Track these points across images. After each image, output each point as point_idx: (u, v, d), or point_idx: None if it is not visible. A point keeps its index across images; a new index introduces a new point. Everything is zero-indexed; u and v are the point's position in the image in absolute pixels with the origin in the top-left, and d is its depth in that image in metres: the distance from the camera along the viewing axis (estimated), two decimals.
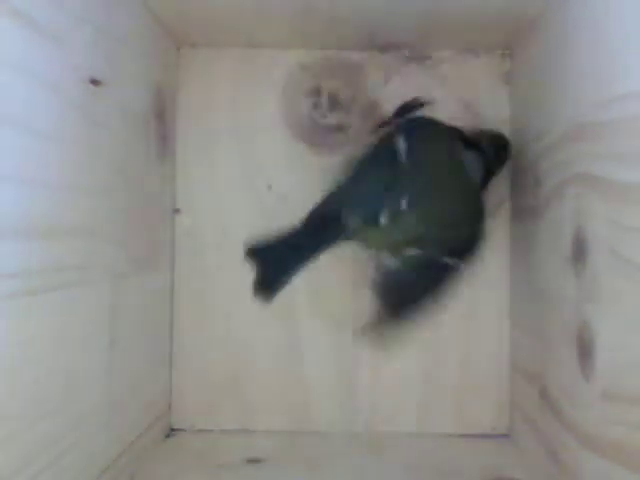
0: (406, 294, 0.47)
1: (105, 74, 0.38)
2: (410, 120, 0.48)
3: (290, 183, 0.54)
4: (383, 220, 0.45)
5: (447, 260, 0.46)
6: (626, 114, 0.32)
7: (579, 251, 0.38)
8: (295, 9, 0.46)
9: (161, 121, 0.50)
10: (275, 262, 0.46)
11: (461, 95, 0.54)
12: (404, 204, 0.45)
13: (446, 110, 0.51)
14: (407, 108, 0.50)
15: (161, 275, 0.51)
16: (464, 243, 0.47)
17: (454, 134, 0.48)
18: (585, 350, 0.37)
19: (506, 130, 0.53)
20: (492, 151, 0.48)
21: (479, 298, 0.53)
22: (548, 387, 0.43)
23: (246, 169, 0.54)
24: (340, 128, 0.54)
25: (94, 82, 0.37)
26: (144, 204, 0.47)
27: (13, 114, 0.29)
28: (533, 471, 0.45)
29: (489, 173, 0.49)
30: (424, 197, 0.46)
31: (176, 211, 0.54)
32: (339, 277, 0.53)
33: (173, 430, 0.53)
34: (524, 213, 0.50)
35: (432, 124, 0.48)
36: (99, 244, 0.38)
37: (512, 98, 0.53)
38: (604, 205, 0.35)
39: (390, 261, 0.46)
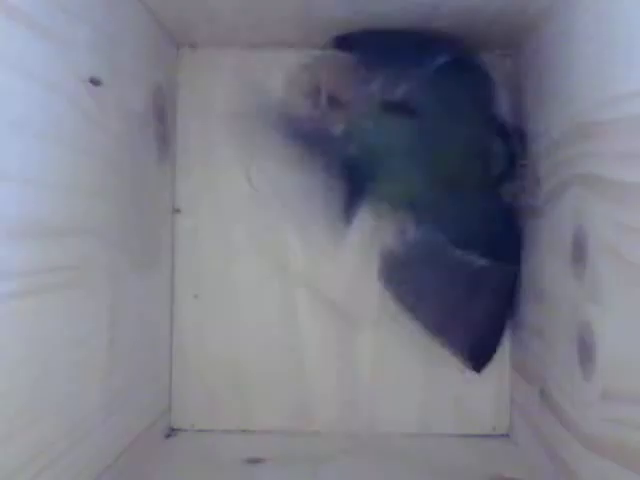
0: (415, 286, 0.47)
1: (105, 74, 0.38)
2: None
3: (289, 182, 0.54)
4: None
5: (471, 257, 0.44)
6: (627, 114, 0.32)
7: (579, 251, 0.38)
8: (295, 9, 0.46)
9: (161, 121, 0.50)
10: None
11: None
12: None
13: None
14: None
15: (161, 275, 0.51)
16: (486, 230, 0.45)
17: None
18: (585, 350, 0.37)
19: None
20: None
21: None
22: (548, 387, 0.43)
23: (246, 169, 0.54)
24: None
25: (94, 82, 0.37)
26: (144, 204, 0.47)
27: (12, 114, 0.29)
28: (533, 471, 0.45)
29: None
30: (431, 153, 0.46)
31: (176, 211, 0.54)
32: (339, 277, 0.53)
33: (173, 430, 0.53)
34: (524, 213, 0.50)
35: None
36: (99, 244, 0.38)
37: (512, 98, 0.53)
38: (604, 205, 0.35)
39: (411, 232, 0.46)
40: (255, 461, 0.47)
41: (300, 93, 0.54)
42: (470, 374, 0.52)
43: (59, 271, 0.33)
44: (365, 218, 0.53)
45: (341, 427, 0.53)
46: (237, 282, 0.54)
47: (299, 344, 0.54)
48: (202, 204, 0.54)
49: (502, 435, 0.53)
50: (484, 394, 0.53)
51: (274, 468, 0.46)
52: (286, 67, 0.54)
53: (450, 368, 0.53)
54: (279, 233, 0.54)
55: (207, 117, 0.54)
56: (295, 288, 0.54)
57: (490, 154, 0.47)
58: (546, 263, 0.44)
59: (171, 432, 0.53)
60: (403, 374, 0.53)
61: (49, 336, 0.32)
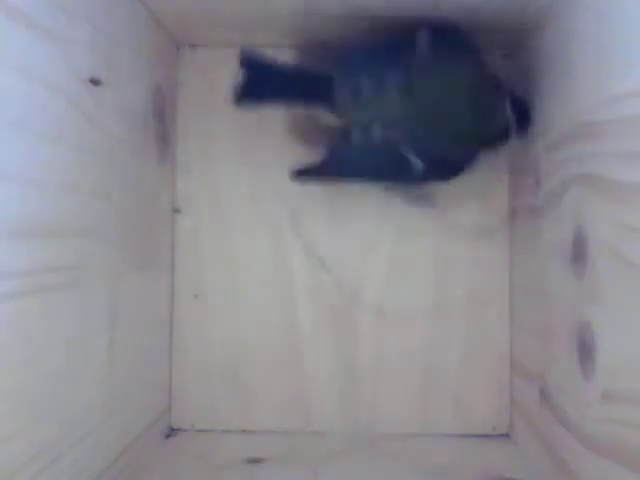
0: (354, 169, 0.49)
1: (105, 74, 0.38)
2: (442, 30, 0.47)
3: (289, 183, 0.53)
4: (366, 92, 0.46)
5: (411, 157, 0.46)
6: (626, 114, 0.32)
7: (579, 251, 0.38)
8: (295, 9, 0.46)
9: (161, 121, 0.50)
10: (262, 79, 0.49)
11: None
12: (392, 84, 0.46)
13: None
14: None
15: (161, 275, 0.51)
16: (442, 155, 0.47)
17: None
18: (585, 350, 0.37)
19: None
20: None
21: (479, 298, 0.53)
22: (548, 387, 0.43)
23: (246, 169, 0.54)
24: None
25: (94, 82, 0.37)
26: (144, 204, 0.47)
27: (13, 114, 0.29)
28: (533, 471, 0.45)
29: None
30: (418, 94, 0.46)
31: (176, 211, 0.54)
32: (339, 277, 0.53)
33: (173, 430, 0.53)
34: (524, 213, 0.50)
35: (466, 40, 0.47)
36: (99, 244, 0.38)
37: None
38: (604, 205, 0.35)
39: (357, 136, 0.47)
40: (255, 461, 0.47)
41: None
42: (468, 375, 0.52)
43: (59, 271, 0.33)
44: (366, 218, 0.53)
45: (341, 427, 0.53)
46: (237, 282, 0.54)
47: (299, 344, 0.54)
48: (202, 204, 0.54)
49: (502, 435, 0.53)
50: (484, 394, 0.53)
51: (274, 468, 0.46)
52: None
53: (450, 368, 0.53)
54: (279, 233, 0.54)
55: (207, 117, 0.54)
56: (295, 288, 0.54)
57: (496, 110, 0.46)
58: (546, 263, 0.44)
59: (171, 432, 0.53)
60: (403, 374, 0.53)
61: (49, 336, 0.32)
